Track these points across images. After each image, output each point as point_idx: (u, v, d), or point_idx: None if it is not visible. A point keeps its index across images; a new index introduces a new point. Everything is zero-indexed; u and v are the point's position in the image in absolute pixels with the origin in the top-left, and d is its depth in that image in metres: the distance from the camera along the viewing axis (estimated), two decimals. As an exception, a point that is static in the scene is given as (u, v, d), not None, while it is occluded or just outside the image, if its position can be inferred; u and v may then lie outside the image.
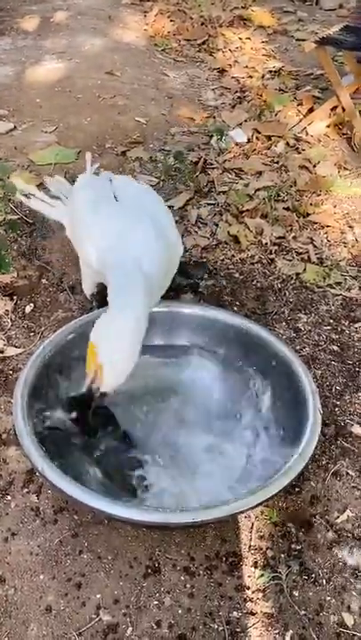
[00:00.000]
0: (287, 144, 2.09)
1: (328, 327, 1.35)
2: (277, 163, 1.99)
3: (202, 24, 3.36)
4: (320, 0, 3.88)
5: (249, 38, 3.20)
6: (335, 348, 1.30)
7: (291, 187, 1.86)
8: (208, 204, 1.78)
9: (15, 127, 2.13)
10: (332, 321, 1.37)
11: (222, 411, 1.09)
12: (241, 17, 3.53)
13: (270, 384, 1.06)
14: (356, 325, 1.35)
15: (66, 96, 2.36)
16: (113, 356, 0.87)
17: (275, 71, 2.75)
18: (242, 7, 3.77)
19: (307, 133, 2.17)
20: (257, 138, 2.10)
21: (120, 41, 3.03)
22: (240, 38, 3.21)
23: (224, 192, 1.83)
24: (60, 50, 2.86)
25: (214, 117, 2.28)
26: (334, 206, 1.79)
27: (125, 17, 3.43)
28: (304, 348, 1.29)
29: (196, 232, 1.67)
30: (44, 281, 1.46)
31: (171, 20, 3.34)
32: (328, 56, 2.09)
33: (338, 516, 0.97)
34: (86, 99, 2.34)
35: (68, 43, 2.96)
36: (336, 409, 1.15)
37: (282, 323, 1.36)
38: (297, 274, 1.50)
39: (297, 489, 1.00)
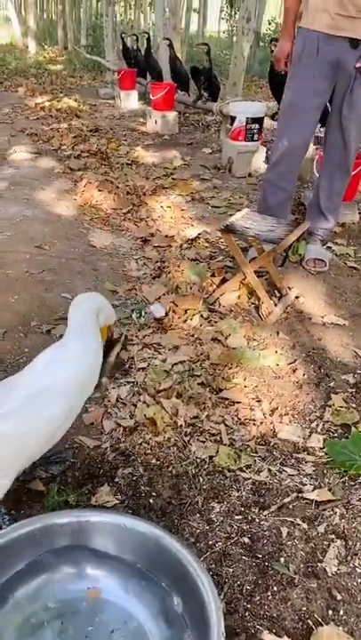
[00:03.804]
0: (202, 316, 2.28)
1: (239, 516, 1.41)
2: (193, 336, 2.16)
3: (127, 193, 3.74)
4: (232, 169, 4.45)
5: (170, 207, 3.58)
6: (246, 540, 1.35)
7: (204, 360, 2.01)
8: (128, 383, 1.88)
9: None
10: (243, 509, 1.43)
11: (135, 630, 1.09)
12: (162, 186, 3.97)
13: (182, 602, 1.09)
14: (265, 513, 1.42)
15: (-5, 272, 2.51)
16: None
17: (192, 240, 3.06)
18: (163, 176, 4.26)
19: (219, 304, 2.39)
20: (174, 311, 2.29)
21: (51, 212, 3.31)
22: (162, 207, 3.58)
23: (143, 368, 1.95)
24: (-6, 222, 3.08)
25: (135, 290, 2.48)
26: (244, 379, 1.94)
27: (57, 186, 3.78)
28: (217, 542, 1.34)
29: (116, 413, 1.75)
30: None
31: (99, 190, 3.70)
32: (233, 240, 2.37)
33: None
34: (15, 274, 2.50)
35: (1, 214, 3.20)
36: (247, 613, 1.18)
37: (195, 514, 1.41)
38: (210, 457, 1.59)
39: None
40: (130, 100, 7.14)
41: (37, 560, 1.14)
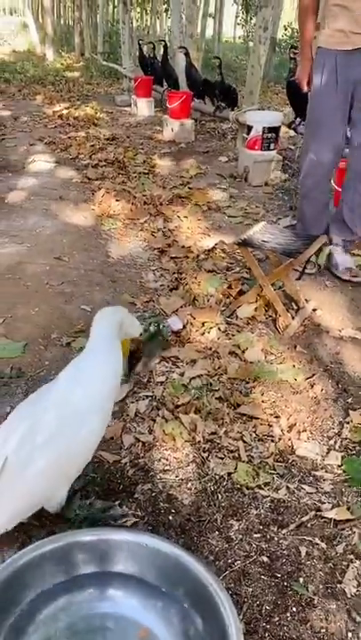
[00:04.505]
0: (219, 329, 2.30)
1: (258, 535, 1.42)
2: (210, 349, 2.17)
3: (144, 203, 3.77)
4: (248, 178, 4.46)
5: (186, 216, 3.60)
6: (265, 559, 1.36)
7: (222, 375, 2.03)
8: (146, 397, 1.90)
9: None
10: (261, 527, 1.44)
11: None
12: (179, 195, 4.00)
13: (202, 622, 1.10)
14: (284, 531, 1.43)
15: (16, 283, 2.55)
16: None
17: (208, 250, 3.08)
18: (180, 185, 4.29)
19: (236, 317, 2.40)
20: (191, 324, 2.31)
21: (69, 222, 3.35)
22: (178, 216, 3.60)
23: (162, 382, 1.97)
24: (14, 233, 3.13)
25: (153, 302, 2.50)
26: (262, 394, 1.95)
27: (75, 197, 3.82)
28: (236, 561, 1.35)
29: (135, 428, 1.77)
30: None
31: (116, 200, 3.73)
32: (250, 254, 2.38)
33: None
34: (35, 286, 2.53)
35: (21, 225, 3.25)
36: (266, 634, 1.19)
37: (214, 532, 1.42)
38: (229, 474, 1.59)
39: None
40: (146, 108, 7.19)
41: (57, 583, 1.16)
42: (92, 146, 5.19)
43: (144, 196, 3.86)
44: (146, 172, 4.50)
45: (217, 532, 1.42)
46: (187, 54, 6.10)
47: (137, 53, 8.61)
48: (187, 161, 4.93)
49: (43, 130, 5.93)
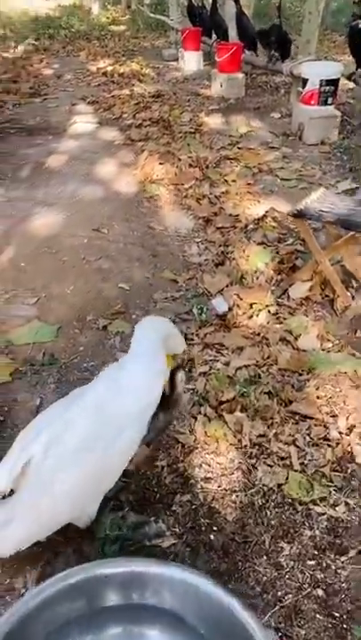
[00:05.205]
0: (269, 312, 2.07)
1: (312, 562, 1.24)
2: (259, 335, 1.96)
3: (190, 165, 3.51)
4: (303, 135, 4.09)
5: (235, 180, 3.32)
6: (320, 592, 1.18)
7: (272, 365, 1.82)
8: (187, 390, 1.72)
9: (-3, 297, 2.14)
10: (316, 552, 1.26)
11: None
12: (227, 157, 3.70)
13: None
14: (343, 559, 1.24)
15: (51, 258, 2.39)
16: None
17: (258, 219, 2.81)
18: (228, 145, 3.98)
19: (288, 297, 2.17)
20: (238, 306, 2.09)
21: (110, 189, 3.14)
22: (226, 180, 3.33)
23: (204, 373, 1.78)
24: (52, 200, 2.96)
25: (196, 280, 2.29)
26: (317, 389, 1.73)
27: (117, 160, 3.60)
28: (287, 594, 1.17)
29: (173, 426, 1.60)
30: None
31: (160, 163, 3.48)
32: (306, 226, 2.12)
33: None
34: (71, 261, 2.37)
35: (60, 192, 3.07)
36: None
37: (262, 557, 1.25)
38: (279, 485, 1.41)
39: None
40: (194, 62, 6.76)
41: (84, 618, 1.02)
42: (137, 104, 4.90)
43: (189, 157, 3.59)
44: (192, 131, 4.20)
45: (265, 557, 1.25)
46: (237, 1, 5.62)
47: (185, 3, 8.09)
48: (236, 118, 4.59)
49: (86, 88, 5.67)
